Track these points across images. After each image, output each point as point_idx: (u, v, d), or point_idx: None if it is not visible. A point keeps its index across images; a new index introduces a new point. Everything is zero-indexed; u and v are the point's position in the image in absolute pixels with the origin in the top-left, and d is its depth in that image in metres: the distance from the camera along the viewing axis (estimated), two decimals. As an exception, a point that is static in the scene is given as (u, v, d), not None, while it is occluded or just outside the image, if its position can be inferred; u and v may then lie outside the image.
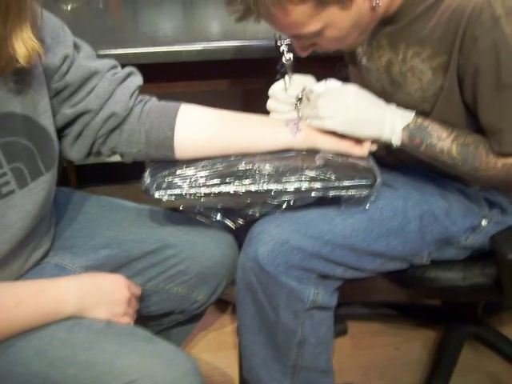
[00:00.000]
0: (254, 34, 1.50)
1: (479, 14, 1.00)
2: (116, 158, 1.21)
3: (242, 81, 1.61)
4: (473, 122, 1.14)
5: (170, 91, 1.57)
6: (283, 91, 1.19)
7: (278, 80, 1.20)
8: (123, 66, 1.17)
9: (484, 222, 1.29)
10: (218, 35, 1.62)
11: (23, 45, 0.89)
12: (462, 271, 1.33)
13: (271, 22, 1.07)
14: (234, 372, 1.69)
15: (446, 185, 1.29)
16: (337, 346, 1.81)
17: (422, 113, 1.16)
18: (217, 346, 1.82)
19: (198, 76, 1.58)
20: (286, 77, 1.19)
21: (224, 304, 1.89)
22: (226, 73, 1.58)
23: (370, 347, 1.84)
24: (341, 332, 1.85)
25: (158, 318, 1.33)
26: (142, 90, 1.19)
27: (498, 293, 1.31)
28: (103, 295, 1.04)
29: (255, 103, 1.26)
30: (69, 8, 1.80)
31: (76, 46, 1.09)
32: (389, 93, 1.21)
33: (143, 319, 1.22)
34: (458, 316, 1.79)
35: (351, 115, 1.11)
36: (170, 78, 1.57)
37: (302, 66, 1.21)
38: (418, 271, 1.33)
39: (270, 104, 1.22)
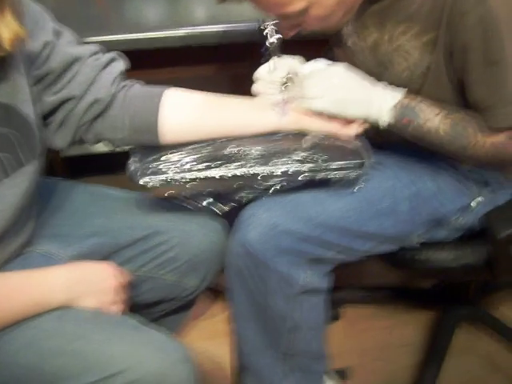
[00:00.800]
0: (239, 18, 1.48)
1: None
2: (104, 149, 1.19)
3: (227, 66, 1.60)
4: (461, 101, 1.13)
5: (156, 78, 1.55)
6: (269, 73, 1.17)
7: (263, 63, 1.19)
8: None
9: (474, 203, 1.29)
10: (204, 20, 1.60)
11: (7, 30, 0.88)
12: (453, 251, 1.33)
13: (255, 2, 1.05)
14: (226, 360, 1.68)
15: (436, 165, 1.29)
16: (330, 331, 1.80)
17: (410, 93, 1.15)
18: (209, 334, 1.81)
19: (183, 62, 1.56)
20: (272, 59, 1.17)
21: (215, 292, 1.88)
22: (212, 58, 1.57)
23: (365, 331, 1.84)
24: (333, 317, 1.84)
25: (149, 307, 1.32)
26: (128, 77, 1.17)
27: (490, 273, 1.31)
28: (92, 284, 1.03)
29: (242, 88, 1.24)
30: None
31: (57, 33, 1.07)
32: (375, 74, 1.20)
33: (134, 308, 1.20)
34: (450, 298, 1.79)
35: (339, 95, 1.10)
36: (156, 64, 1.55)
37: (289, 48, 1.19)
38: (409, 252, 1.33)
39: (255, 87, 1.20)
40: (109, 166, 2.40)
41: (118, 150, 1.19)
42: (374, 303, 1.92)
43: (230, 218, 1.23)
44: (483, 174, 1.30)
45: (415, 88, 1.16)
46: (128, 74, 1.17)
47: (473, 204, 1.29)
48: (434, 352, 1.69)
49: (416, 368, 1.69)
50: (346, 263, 1.30)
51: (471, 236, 1.34)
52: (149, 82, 1.19)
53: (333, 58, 1.41)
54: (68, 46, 1.08)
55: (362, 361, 1.73)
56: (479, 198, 1.30)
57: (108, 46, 1.23)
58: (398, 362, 1.73)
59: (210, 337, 1.80)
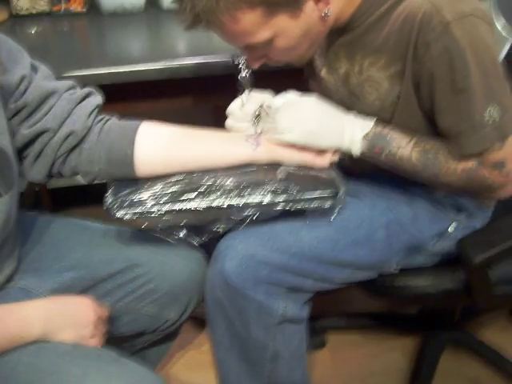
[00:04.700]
0: (219, 50, 1.50)
1: (429, 21, 1.01)
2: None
3: (207, 97, 1.61)
4: (432, 128, 1.15)
5: (137, 110, 1.57)
6: (240, 108, 1.19)
7: (237, 96, 1.21)
8: (88, 85, 1.18)
9: (451, 228, 1.30)
10: (183, 53, 1.62)
11: None
12: (432, 278, 1.34)
13: (220, 31, 1.07)
14: (213, 390, 1.68)
15: (412, 192, 1.30)
16: (316, 359, 1.80)
17: (382, 122, 1.17)
18: (195, 364, 1.80)
19: (163, 94, 1.58)
20: (243, 94, 1.19)
21: (201, 322, 1.87)
22: (191, 90, 1.58)
23: (350, 358, 1.83)
24: (319, 344, 1.84)
25: (131, 339, 1.32)
26: (109, 110, 1.19)
27: (469, 297, 1.32)
28: (69, 318, 1.03)
29: (222, 119, 1.25)
30: (33, 31, 1.80)
31: (33, 67, 1.10)
32: (348, 104, 1.22)
33: (115, 340, 1.20)
34: (435, 323, 1.79)
35: (310, 127, 1.12)
36: (136, 97, 1.56)
37: (263, 79, 1.21)
38: (388, 280, 1.33)
39: (228, 122, 1.22)
40: (94, 197, 2.42)
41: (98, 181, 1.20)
42: (359, 330, 1.92)
43: (208, 249, 1.24)
44: (459, 199, 1.31)
45: (386, 117, 1.17)
46: (108, 106, 1.19)
47: (450, 229, 1.30)
48: (420, 378, 1.69)
49: (402, 395, 1.69)
50: (328, 290, 1.30)
51: (450, 261, 1.35)
52: (130, 114, 1.20)
53: (308, 88, 1.44)
54: (44, 80, 1.10)
55: (347, 388, 1.73)
56: (456, 223, 1.31)
57: (88, 81, 1.25)
58: (385, 389, 1.72)
59: (197, 367, 1.79)
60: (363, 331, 1.92)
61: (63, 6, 1.93)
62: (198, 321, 1.84)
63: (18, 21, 1.90)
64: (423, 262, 1.33)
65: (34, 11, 1.92)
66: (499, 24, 1.26)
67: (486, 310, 1.91)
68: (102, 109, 1.19)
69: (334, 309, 1.92)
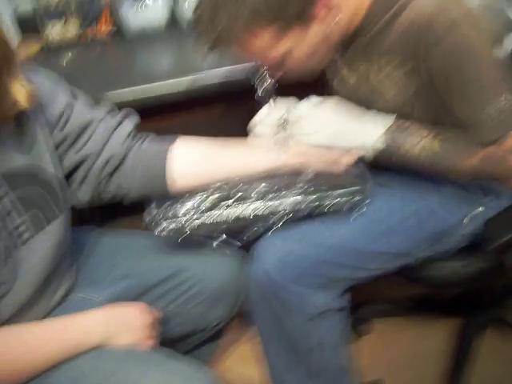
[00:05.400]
0: (242, 59, 1.56)
1: (437, 19, 1.06)
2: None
3: (235, 106, 1.66)
4: (451, 120, 1.17)
5: (171, 123, 1.63)
6: (267, 116, 1.25)
7: (261, 107, 1.27)
8: (123, 104, 1.26)
9: (480, 209, 1.33)
10: (207, 65, 1.67)
11: (21, 89, 0.99)
12: (466, 258, 1.37)
13: (241, 48, 1.14)
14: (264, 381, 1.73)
15: (439, 178, 1.33)
16: (364, 344, 1.84)
17: (404, 116, 1.21)
18: (249, 356, 1.82)
19: (194, 106, 1.63)
20: (270, 102, 1.25)
21: (251, 316, 1.92)
22: (219, 99, 1.64)
23: (395, 342, 1.87)
24: (366, 331, 1.89)
25: (183, 339, 1.40)
26: (147, 124, 1.27)
27: (503, 276, 1.35)
28: (126, 323, 1.11)
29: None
30: (66, 60, 1.86)
31: (72, 98, 1.17)
32: (369, 101, 1.27)
33: (169, 341, 1.27)
34: (477, 302, 1.81)
35: (334, 128, 1.18)
36: (168, 111, 1.62)
37: (289, 87, 1.26)
38: (423, 264, 1.37)
39: (256, 130, 1.27)
40: (139, 208, 2.50)
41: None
42: (403, 314, 1.95)
43: (247, 249, 1.31)
44: (485, 181, 1.34)
45: (407, 111, 1.22)
46: (147, 121, 1.27)
47: (480, 210, 1.33)
48: (461, 358, 1.71)
49: (447, 375, 1.71)
50: (369, 280, 1.35)
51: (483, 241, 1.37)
52: (165, 127, 1.26)
53: (330, 90, 1.49)
54: (84, 108, 1.18)
55: (394, 372, 1.76)
56: (485, 205, 1.34)
57: (123, 98, 1.31)
58: (431, 370, 1.75)
59: (249, 360, 1.79)
60: (407, 315, 1.95)
61: (91, 33, 2.00)
62: (249, 315, 1.89)
63: (50, 51, 1.96)
64: (456, 244, 1.36)
65: (64, 41, 1.98)
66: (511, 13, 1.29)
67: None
68: (139, 126, 1.26)
69: (378, 296, 1.95)
